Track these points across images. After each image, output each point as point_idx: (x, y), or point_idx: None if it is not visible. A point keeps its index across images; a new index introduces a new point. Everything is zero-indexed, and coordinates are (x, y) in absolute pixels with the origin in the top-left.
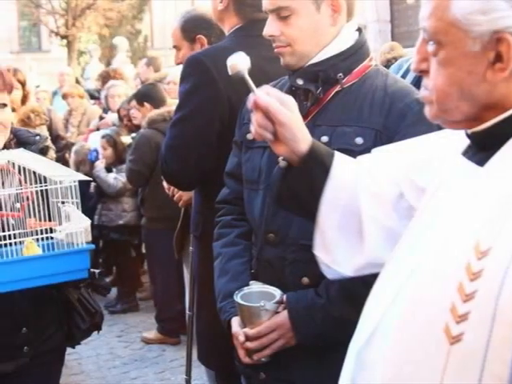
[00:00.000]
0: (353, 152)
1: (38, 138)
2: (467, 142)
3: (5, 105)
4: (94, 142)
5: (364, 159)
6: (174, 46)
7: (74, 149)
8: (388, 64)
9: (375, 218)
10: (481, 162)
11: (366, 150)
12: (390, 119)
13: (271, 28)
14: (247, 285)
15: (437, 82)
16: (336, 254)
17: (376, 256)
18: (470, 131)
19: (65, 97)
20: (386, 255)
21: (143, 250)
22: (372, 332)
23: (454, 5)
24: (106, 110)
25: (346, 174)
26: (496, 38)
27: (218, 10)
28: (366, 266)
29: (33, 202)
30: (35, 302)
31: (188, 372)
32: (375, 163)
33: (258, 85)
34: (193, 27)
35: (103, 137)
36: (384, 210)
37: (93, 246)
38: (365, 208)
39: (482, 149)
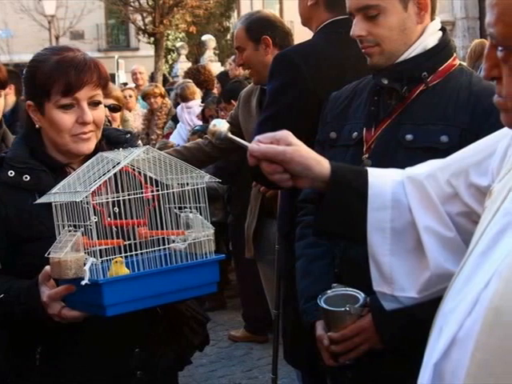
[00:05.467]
0: (438, 150)
1: (128, 136)
2: None
3: (99, 102)
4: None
5: (414, 168)
6: (237, 48)
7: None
8: (478, 61)
9: (430, 227)
10: None
11: (450, 148)
12: (475, 118)
13: (358, 29)
14: (330, 287)
15: (510, 90)
16: (398, 278)
17: (440, 266)
18: None
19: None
20: (449, 264)
21: (230, 248)
22: (450, 343)
23: None
24: None
25: (387, 188)
26: None
27: (307, 6)
28: (433, 281)
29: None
30: (147, 318)
31: (274, 371)
32: (427, 168)
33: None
34: (258, 27)
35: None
36: (437, 215)
37: (223, 256)
38: (419, 219)
39: None
